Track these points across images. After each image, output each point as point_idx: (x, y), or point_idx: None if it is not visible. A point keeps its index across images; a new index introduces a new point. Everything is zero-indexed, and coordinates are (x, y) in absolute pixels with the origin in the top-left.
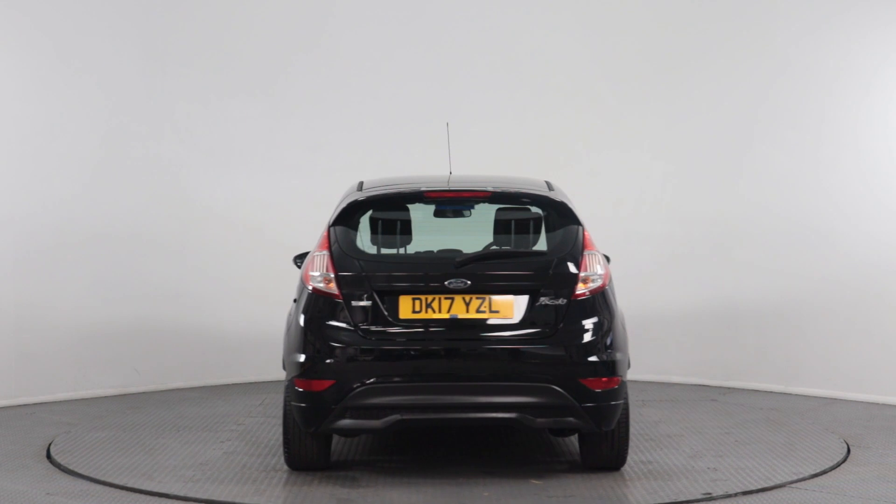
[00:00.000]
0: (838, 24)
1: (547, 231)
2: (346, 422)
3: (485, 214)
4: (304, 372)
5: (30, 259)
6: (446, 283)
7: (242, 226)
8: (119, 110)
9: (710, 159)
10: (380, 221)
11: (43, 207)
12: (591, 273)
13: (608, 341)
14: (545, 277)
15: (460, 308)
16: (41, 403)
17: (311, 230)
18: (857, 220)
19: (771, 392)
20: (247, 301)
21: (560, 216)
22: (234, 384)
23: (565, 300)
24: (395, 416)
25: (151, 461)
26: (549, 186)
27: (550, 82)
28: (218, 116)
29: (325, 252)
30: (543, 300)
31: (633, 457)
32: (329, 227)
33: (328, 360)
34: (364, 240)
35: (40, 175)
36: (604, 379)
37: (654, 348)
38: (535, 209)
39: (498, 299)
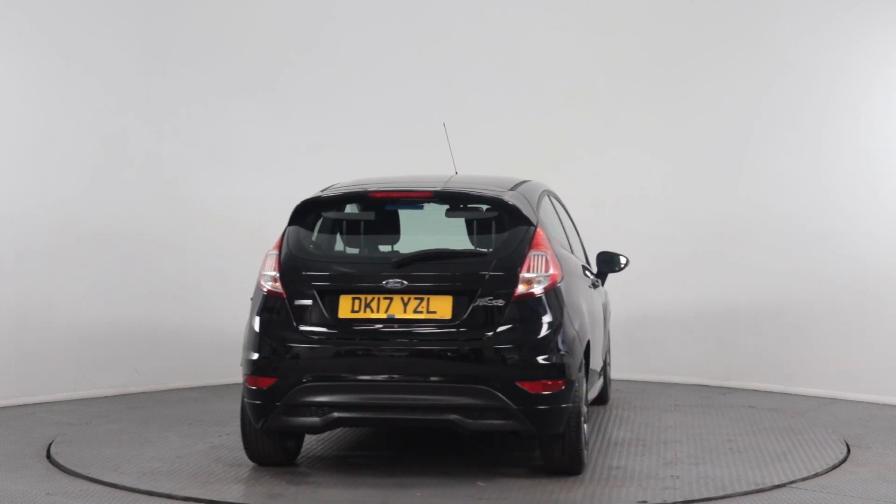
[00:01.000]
0: (838, 24)
1: (495, 231)
2: (288, 419)
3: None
4: (253, 370)
5: (30, 259)
6: (384, 283)
7: (242, 226)
8: (119, 111)
9: (711, 159)
10: (331, 222)
11: (43, 207)
12: (536, 274)
13: (551, 343)
14: (483, 278)
15: (398, 308)
16: (41, 403)
17: None
18: (856, 221)
19: (771, 392)
20: (247, 301)
21: (510, 217)
22: (234, 384)
23: (504, 301)
24: (334, 415)
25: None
26: (515, 187)
27: (551, 82)
28: (218, 117)
29: (276, 252)
30: (481, 301)
31: (607, 462)
32: (286, 228)
33: (271, 358)
34: (317, 240)
35: (40, 175)
36: (545, 382)
37: (654, 348)
38: (482, 209)
39: (435, 299)
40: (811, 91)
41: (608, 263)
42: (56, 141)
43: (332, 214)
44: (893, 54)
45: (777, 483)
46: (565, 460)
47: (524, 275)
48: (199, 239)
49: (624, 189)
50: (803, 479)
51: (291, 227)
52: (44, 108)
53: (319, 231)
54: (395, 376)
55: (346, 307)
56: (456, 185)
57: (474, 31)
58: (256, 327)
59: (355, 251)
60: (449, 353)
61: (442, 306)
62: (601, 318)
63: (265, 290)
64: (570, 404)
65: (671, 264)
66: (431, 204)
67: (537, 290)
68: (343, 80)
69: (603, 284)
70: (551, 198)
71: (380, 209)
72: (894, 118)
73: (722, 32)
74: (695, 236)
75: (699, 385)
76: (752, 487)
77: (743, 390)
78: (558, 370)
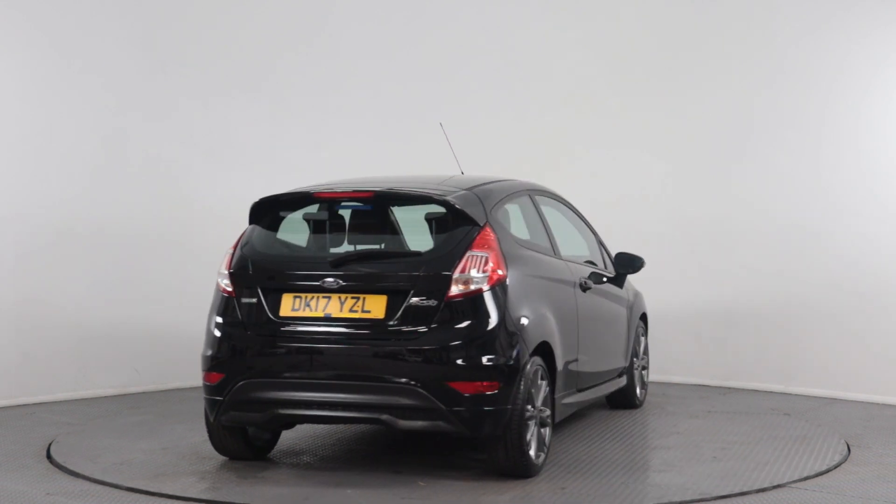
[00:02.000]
0: (838, 24)
1: (437, 232)
2: (234, 414)
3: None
4: (205, 365)
5: (30, 259)
6: (321, 282)
7: (242, 226)
8: (119, 110)
9: (711, 160)
10: (279, 222)
11: (43, 207)
12: (472, 275)
13: (484, 344)
14: (417, 278)
15: (335, 307)
16: (41, 403)
17: None
18: (856, 221)
19: (771, 392)
20: None
21: (454, 217)
22: None
23: (437, 301)
24: (275, 411)
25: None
26: (475, 187)
27: (551, 82)
28: (218, 116)
29: (231, 251)
30: (414, 301)
31: (565, 467)
32: (247, 227)
33: (220, 355)
34: (266, 240)
35: (40, 175)
36: (476, 383)
37: (655, 348)
38: (423, 210)
39: (371, 299)
40: (811, 91)
41: (625, 264)
42: (56, 141)
43: (281, 215)
44: (893, 54)
45: (777, 483)
46: (509, 464)
47: (458, 275)
48: (199, 239)
49: (624, 189)
50: (803, 479)
51: (251, 227)
52: (43, 108)
53: (269, 231)
54: (329, 375)
55: (287, 306)
56: (399, 186)
57: (475, 31)
58: (210, 324)
59: (299, 251)
60: (381, 353)
61: (376, 306)
62: (599, 318)
63: (219, 288)
64: (508, 406)
65: (671, 264)
66: (379, 204)
67: (472, 290)
68: (343, 79)
69: (622, 286)
70: (535, 198)
71: (326, 210)
72: (894, 118)
73: (722, 33)
74: (695, 236)
75: (699, 385)
76: (752, 487)
77: (743, 390)
78: (491, 371)
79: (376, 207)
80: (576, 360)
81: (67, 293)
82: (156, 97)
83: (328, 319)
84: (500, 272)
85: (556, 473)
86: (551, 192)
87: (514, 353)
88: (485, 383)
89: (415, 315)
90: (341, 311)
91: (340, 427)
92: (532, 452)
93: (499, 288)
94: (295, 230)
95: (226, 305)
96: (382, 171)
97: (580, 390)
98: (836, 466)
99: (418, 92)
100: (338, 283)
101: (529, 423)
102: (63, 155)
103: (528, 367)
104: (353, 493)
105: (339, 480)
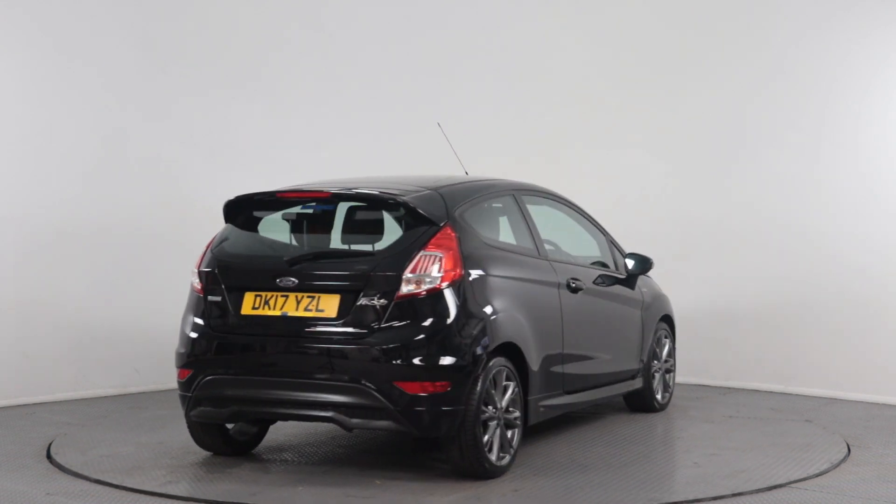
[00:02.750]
0: (838, 25)
1: (393, 231)
2: (201, 410)
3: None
4: (177, 362)
5: (30, 259)
6: (277, 281)
7: None
8: (120, 110)
9: (710, 160)
10: (247, 222)
11: (43, 207)
12: (423, 274)
13: (434, 344)
14: (368, 277)
15: (291, 306)
16: (41, 403)
17: None
18: (856, 221)
19: (771, 392)
20: None
21: (411, 217)
22: None
23: (387, 301)
24: (234, 408)
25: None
26: (442, 187)
27: (551, 82)
28: (218, 116)
29: (204, 250)
30: (364, 300)
31: (535, 468)
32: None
33: (188, 352)
34: (233, 239)
35: (40, 175)
36: (424, 383)
37: None
38: (380, 210)
39: (325, 298)
40: (811, 92)
41: (634, 265)
42: (56, 141)
43: (249, 215)
44: (894, 55)
45: (777, 483)
46: (466, 464)
47: (408, 275)
48: (199, 239)
49: (624, 189)
50: (803, 479)
51: (226, 227)
52: (45, 107)
53: (238, 230)
54: (284, 373)
55: (248, 304)
56: (359, 187)
57: (475, 30)
58: (183, 322)
59: (262, 250)
60: (332, 352)
61: (329, 305)
62: (596, 320)
63: (192, 286)
64: (461, 407)
65: (671, 264)
66: (338, 205)
67: (423, 290)
68: (344, 79)
69: (633, 287)
70: (521, 198)
71: (290, 210)
72: (894, 119)
73: (722, 33)
74: (695, 236)
75: (699, 385)
76: (752, 487)
77: (743, 390)
78: (441, 371)
79: (336, 208)
80: (561, 362)
81: (67, 293)
82: (156, 97)
83: (285, 318)
84: (454, 272)
85: (522, 474)
86: (552, 194)
87: (468, 353)
88: (434, 383)
89: (365, 314)
90: (297, 309)
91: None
92: (493, 454)
93: (452, 288)
94: (263, 230)
95: (196, 303)
96: (382, 171)
97: (570, 392)
98: (836, 466)
99: (419, 91)
100: (293, 283)
101: (490, 424)
102: (63, 155)
103: (488, 367)
104: (304, 490)
105: (301, 478)
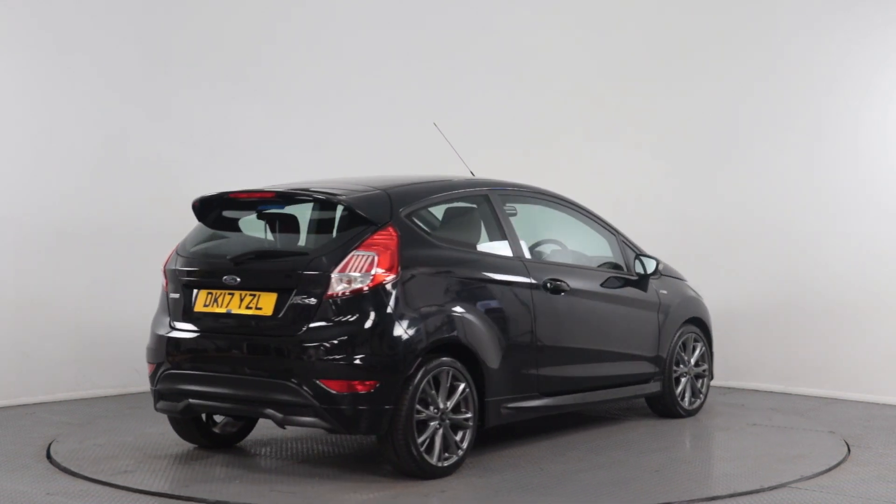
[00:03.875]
0: (837, 25)
1: (334, 231)
2: (163, 403)
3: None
4: (146, 357)
5: (30, 259)
6: (224, 279)
7: None
8: (120, 110)
9: (711, 160)
10: (209, 221)
11: (43, 207)
12: (354, 274)
13: (361, 343)
14: (300, 276)
15: (236, 304)
16: (41, 403)
17: None
18: (856, 221)
19: (771, 392)
20: None
21: (351, 217)
22: None
23: (317, 300)
24: (187, 401)
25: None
26: (396, 187)
27: (551, 82)
28: (218, 117)
29: (173, 249)
30: (297, 299)
31: (488, 469)
32: None
33: (152, 347)
34: (196, 238)
35: (40, 175)
36: (350, 381)
37: None
38: (321, 210)
39: (264, 296)
40: (810, 92)
41: (641, 267)
42: (56, 141)
43: (211, 214)
44: (893, 55)
45: (777, 483)
46: (401, 464)
47: (338, 274)
48: None
49: (624, 189)
50: (803, 479)
51: (195, 225)
52: (45, 107)
53: (202, 229)
54: (226, 369)
55: (200, 301)
56: (303, 187)
57: (475, 31)
58: (154, 317)
59: (215, 249)
60: (266, 349)
61: (266, 303)
62: (587, 321)
63: (161, 283)
64: (389, 406)
65: (671, 264)
66: (285, 205)
67: (352, 289)
68: (344, 79)
69: (645, 288)
70: (495, 198)
71: (243, 209)
72: (893, 120)
73: (722, 34)
74: (695, 236)
75: None
76: (752, 487)
77: (743, 390)
78: (367, 370)
79: (283, 208)
80: (535, 364)
81: (67, 293)
82: (156, 97)
83: (229, 315)
84: (389, 272)
85: (465, 475)
86: (548, 194)
87: (398, 353)
88: (359, 382)
89: (297, 313)
90: (240, 307)
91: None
92: (432, 455)
93: (385, 288)
94: (221, 229)
95: (162, 301)
96: (382, 171)
97: (549, 395)
98: (836, 466)
99: (419, 91)
100: (236, 281)
101: (430, 424)
102: (63, 155)
103: (426, 367)
104: (239, 484)
105: (239, 473)
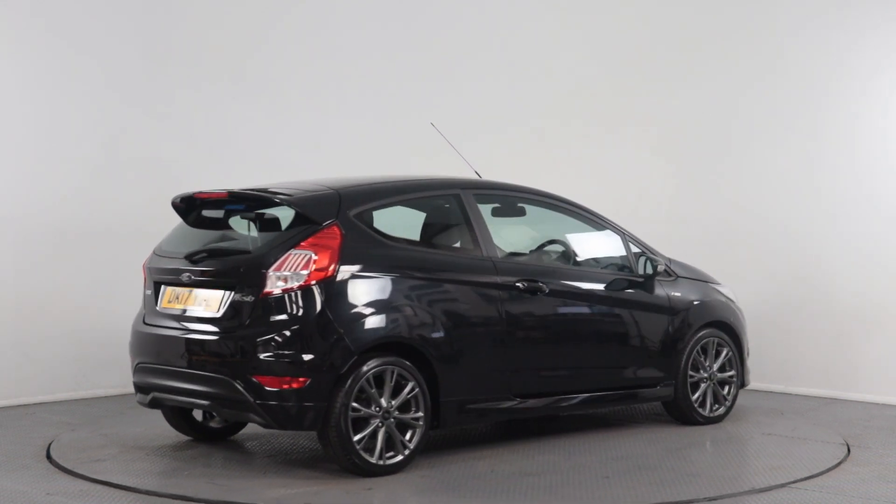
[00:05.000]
0: (837, 24)
1: (279, 230)
2: (139, 396)
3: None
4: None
5: (30, 259)
6: (181, 277)
7: None
8: (119, 110)
9: (711, 160)
10: (182, 219)
11: (43, 207)
12: (290, 273)
13: (293, 341)
14: (240, 274)
15: (191, 301)
16: (41, 403)
17: None
18: (856, 221)
19: (771, 392)
20: None
21: (296, 217)
22: None
23: (254, 297)
24: (153, 395)
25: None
26: (344, 188)
27: (551, 82)
28: (218, 116)
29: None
30: (237, 296)
31: (435, 469)
32: None
33: (130, 342)
34: (171, 236)
35: (40, 175)
36: (282, 378)
37: None
38: (268, 209)
39: (211, 294)
40: (809, 92)
41: (643, 267)
42: (56, 140)
43: (188, 213)
44: (892, 54)
45: (777, 483)
46: (339, 461)
47: (274, 272)
48: None
49: (624, 189)
50: (803, 479)
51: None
52: (45, 107)
53: (178, 228)
54: (179, 364)
55: (165, 298)
56: (261, 188)
57: (475, 31)
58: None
59: (180, 247)
60: (210, 346)
61: (214, 301)
62: (570, 324)
63: None
64: (321, 403)
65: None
66: (236, 205)
67: (287, 288)
68: (344, 79)
69: (651, 290)
70: (467, 199)
71: (208, 209)
72: (892, 120)
73: (721, 34)
74: (694, 236)
75: None
76: (752, 487)
77: (742, 390)
78: (299, 368)
79: (237, 208)
80: (505, 365)
81: (67, 293)
82: (156, 97)
83: (185, 312)
84: (327, 271)
85: (408, 474)
86: (538, 194)
87: (332, 351)
88: (291, 379)
89: (236, 310)
90: (194, 305)
91: None
92: (372, 453)
93: (321, 286)
94: (201, 228)
95: (142, 297)
96: (383, 171)
97: (523, 396)
98: (836, 466)
99: (419, 91)
100: (189, 279)
101: (371, 422)
102: (63, 155)
103: (363, 366)
104: (185, 476)
105: (202, 467)
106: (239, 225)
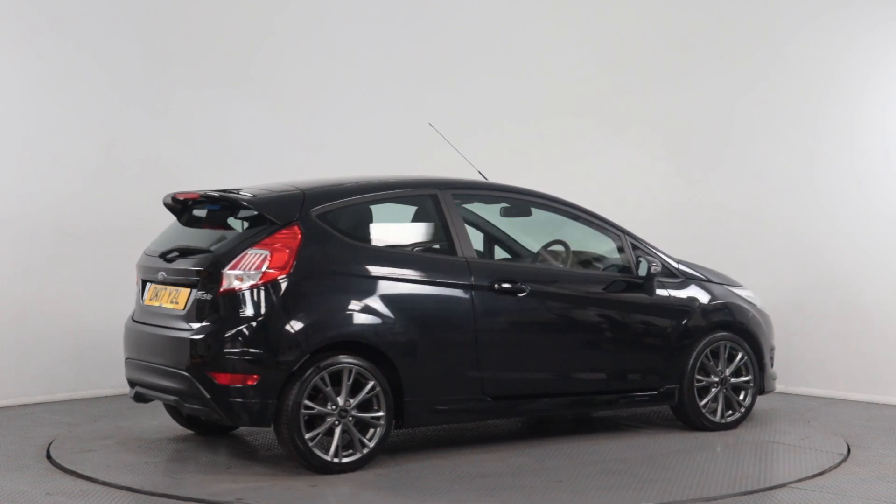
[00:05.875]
0: (837, 23)
1: (243, 230)
2: (130, 390)
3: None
4: None
5: (29, 259)
6: (157, 275)
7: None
8: (120, 110)
9: (711, 160)
10: (187, 219)
11: (43, 207)
12: (245, 271)
13: (245, 338)
14: (201, 273)
15: (166, 298)
16: (41, 403)
17: None
18: (856, 221)
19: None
20: None
21: (258, 217)
22: None
23: (212, 295)
24: (136, 389)
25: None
26: (310, 189)
27: (551, 82)
28: (219, 116)
29: None
30: (199, 294)
31: (399, 468)
32: None
33: (123, 337)
34: (160, 236)
35: (40, 175)
36: (234, 375)
37: None
38: (233, 210)
39: (182, 292)
40: (808, 91)
41: (638, 269)
42: (56, 140)
43: (177, 213)
44: (892, 52)
45: (777, 483)
46: (293, 457)
47: (229, 271)
48: None
49: (624, 189)
50: (803, 479)
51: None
52: (45, 107)
53: (171, 227)
54: (152, 360)
55: (148, 296)
56: (227, 189)
57: (475, 31)
58: None
59: (162, 246)
60: (175, 342)
61: (181, 299)
62: (550, 325)
63: None
64: (271, 400)
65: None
66: (209, 205)
67: (242, 286)
68: (344, 79)
69: (651, 292)
70: (445, 199)
71: (188, 208)
72: (892, 119)
73: (721, 34)
74: (694, 236)
75: None
76: (752, 487)
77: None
78: (250, 365)
79: (215, 209)
80: (476, 366)
81: (67, 293)
82: (156, 97)
83: (160, 309)
84: (282, 270)
85: (364, 472)
86: (537, 196)
87: (283, 349)
88: (242, 375)
89: (198, 308)
90: (167, 302)
91: None
92: (326, 451)
93: (274, 285)
94: (191, 227)
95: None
96: (382, 171)
97: (498, 398)
98: (836, 466)
99: (420, 91)
100: (163, 277)
101: (326, 420)
102: (63, 155)
103: (317, 364)
104: (149, 465)
105: (182, 461)
106: (223, 225)
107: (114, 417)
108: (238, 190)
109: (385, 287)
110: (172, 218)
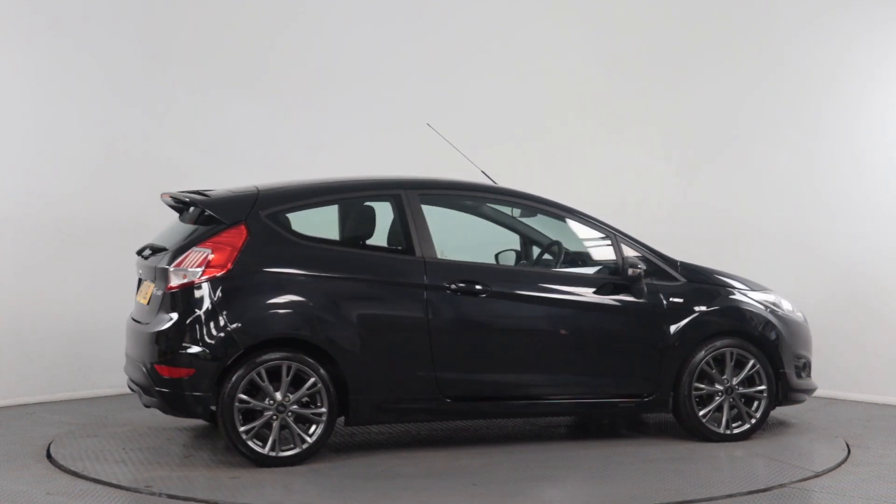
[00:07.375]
0: (837, 22)
1: (199, 229)
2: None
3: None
4: None
5: (30, 258)
6: (139, 272)
7: None
8: (120, 110)
9: (711, 160)
10: (182, 217)
11: (43, 207)
12: (187, 269)
13: (182, 333)
14: (155, 270)
15: (142, 294)
16: (41, 403)
17: None
18: (855, 221)
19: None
20: None
21: (209, 217)
22: None
23: (162, 291)
24: (127, 380)
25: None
26: (267, 190)
27: (551, 83)
28: (219, 116)
29: None
30: (154, 290)
31: (348, 467)
32: None
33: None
34: (158, 235)
35: (40, 175)
36: (174, 368)
37: None
38: (193, 210)
39: (148, 288)
40: (809, 90)
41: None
42: (56, 140)
43: (179, 211)
44: (894, 52)
45: (777, 483)
46: (232, 449)
47: (174, 269)
48: None
49: (624, 189)
50: (803, 480)
51: None
52: (45, 106)
53: (168, 225)
54: (129, 355)
55: (140, 293)
56: (192, 190)
57: (476, 31)
58: None
59: (157, 244)
60: (139, 336)
61: (147, 294)
62: (483, 325)
63: None
64: (206, 394)
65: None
66: (183, 206)
67: (185, 283)
68: (344, 78)
69: (639, 295)
70: (409, 199)
71: (188, 206)
72: (893, 119)
73: (722, 34)
74: (694, 237)
75: None
76: (752, 487)
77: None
78: (185, 358)
79: (184, 208)
80: (431, 367)
81: (67, 292)
82: (156, 97)
83: (139, 305)
84: (222, 268)
85: (301, 467)
86: (515, 195)
87: (218, 344)
88: (180, 368)
89: (153, 304)
90: (142, 298)
91: None
92: (263, 444)
93: (214, 282)
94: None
95: None
96: (382, 171)
97: (456, 398)
98: (836, 466)
99: (420, 91)
100: (139, 274)
101: (264, 414)
102: (63, 154)
103: (253, 360)
104: (127, 455)
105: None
106: (201, 224)
107: (114, 417)
108: (207, 191)
109: (332, 286)
110: (174, 218)
